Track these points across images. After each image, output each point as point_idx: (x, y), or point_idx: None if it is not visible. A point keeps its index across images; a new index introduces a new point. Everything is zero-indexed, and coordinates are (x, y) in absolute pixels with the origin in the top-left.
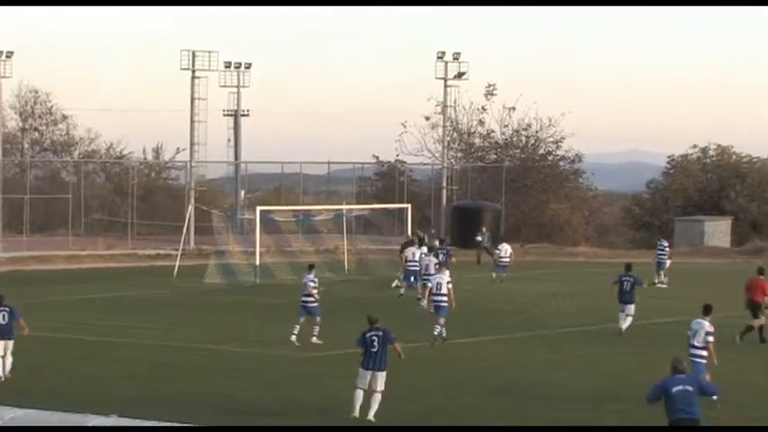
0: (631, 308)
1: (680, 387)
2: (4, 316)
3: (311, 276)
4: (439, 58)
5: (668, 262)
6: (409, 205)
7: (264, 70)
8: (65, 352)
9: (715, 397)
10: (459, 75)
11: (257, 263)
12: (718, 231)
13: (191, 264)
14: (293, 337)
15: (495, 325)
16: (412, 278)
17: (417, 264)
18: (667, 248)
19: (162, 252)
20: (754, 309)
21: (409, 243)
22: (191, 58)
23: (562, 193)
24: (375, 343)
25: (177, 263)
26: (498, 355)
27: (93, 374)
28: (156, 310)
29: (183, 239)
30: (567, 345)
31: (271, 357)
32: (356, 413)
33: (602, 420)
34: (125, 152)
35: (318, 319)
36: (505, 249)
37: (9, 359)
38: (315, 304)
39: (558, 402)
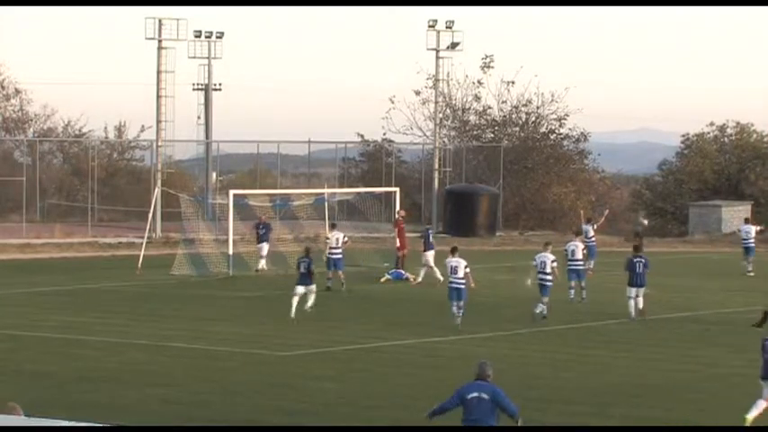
0: (642, 290)
1: (475, 394)
2: (304, 266)
3: (549, 254)
4: (430, 26)
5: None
6: (397, 189)
7: (238, 40)
8: (18, 351)
9: (519, 422)
10: (453, 45)
11: (230, 252)
12: (736, 217)
13: (157, 253)
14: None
15: (493, 321)
16: (333, 266)
17: (340, 251)
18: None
19: (125, 240)
20: None
21: (332, 227)
22: (156, 26)
23: (566, 175)
24: None
25: (142, 252)
26: (497, 353)
27: (51, 375)
28: (118, 305)
29: (148, 226)
30: (570, 342)
31: (245, 357)
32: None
33: (605, 424)
34: (84, 130)
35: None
36: (572, 250)
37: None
38: (550, 283)
39: (558, 405)
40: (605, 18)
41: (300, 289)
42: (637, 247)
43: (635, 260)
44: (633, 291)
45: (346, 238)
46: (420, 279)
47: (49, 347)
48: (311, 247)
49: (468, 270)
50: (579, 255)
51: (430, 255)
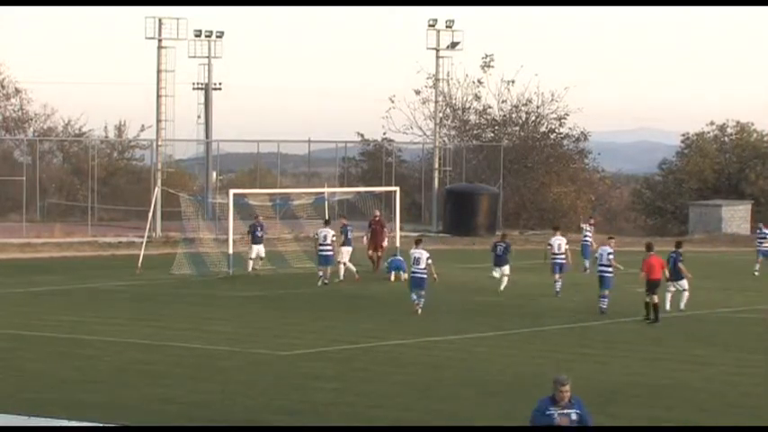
0: (684, 283)
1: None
2: (500, 249)
3: (608, 248)
4: (430, 26)
5: None
6: (398, 188)
7: (238, 39)
8: (18, 350)
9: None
10: (453, 45)
11: (230, 252)
12: (736, 217)
13: (157, 253)
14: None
15: (493, 320)
16: (324, 263)
17: (330, 248)
18: None
19: (125, 240)
20: (655, 287)
21: (326, 223)
22: (157, 25)
23: (566, 175)
24: None
25: (142, 252)
26: (495, 352)
27: (51, 375)
28: (118, 305)
29: (148, 226)
30: (570, 342)
31: (245, 356)
32: None
33: (605, 424)
34: (84, 129)
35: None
36: (558, 244)
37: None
38: (610, 275)
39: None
40: (605, 18)
41: (497, 270)
42: (678, 243)
43: (671, 254)
44: (669, 285)
45: (334, 237)
46: (341, 277)
47: (50, 347)
48: (507, 233)
49: (430, 261)
50: (564, 248)
51: (345, 251)
